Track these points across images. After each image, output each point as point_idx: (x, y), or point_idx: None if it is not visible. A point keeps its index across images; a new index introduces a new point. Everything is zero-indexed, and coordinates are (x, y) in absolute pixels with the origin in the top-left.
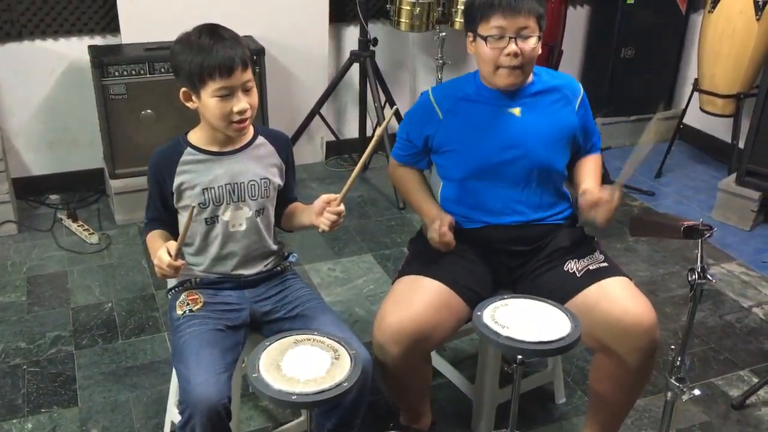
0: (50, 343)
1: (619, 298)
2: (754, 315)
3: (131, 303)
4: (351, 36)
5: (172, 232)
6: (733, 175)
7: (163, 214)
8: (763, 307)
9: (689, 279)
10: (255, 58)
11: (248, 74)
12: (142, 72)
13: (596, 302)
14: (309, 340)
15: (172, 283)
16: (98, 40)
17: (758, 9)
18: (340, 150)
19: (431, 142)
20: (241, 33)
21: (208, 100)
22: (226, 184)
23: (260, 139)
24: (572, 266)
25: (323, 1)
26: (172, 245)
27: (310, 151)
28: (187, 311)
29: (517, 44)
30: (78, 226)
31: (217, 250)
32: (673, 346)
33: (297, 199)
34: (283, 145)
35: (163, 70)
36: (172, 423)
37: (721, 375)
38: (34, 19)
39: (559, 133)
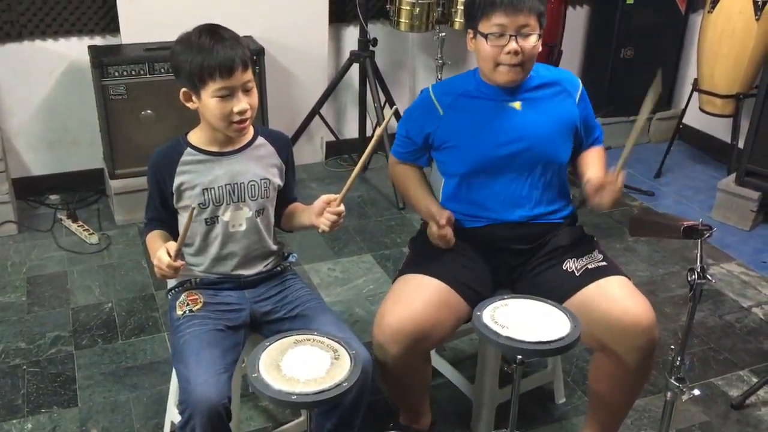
0: (50, 344)
1: (618, 298)
2: (754, 315)
3: (131, 303)
4: (351, 36)
5: (172, 232)
6: (733, 175)
7: (162, 214)
8: (762, 307)
9: (689, 279)
10: (255, 58)
11: (248, 74)
12: (142, 72)
13: (595, 302)
14: (309, 340)
15: (172, 283)
16: (98, 41)
17: (757, 9)
18: (339, 150)
19: (432, 138)
20: (241, 33)
21: (208, 101)
22: (226, 185)
23: (260, 140)
24: (571, 265)
25: (323, 2)
26: (172, 246)
27: (309, 152)
28: (187, 311)
29: (517, 42)
30: (78, 226)
31: (217, 251)
32: (672, 346)
33: (297, 200)
34: (283, 146)
35: (163, 70)
36: (172, 423)
37: (720, 375)
38: (34, 20)
39: (561, 125)
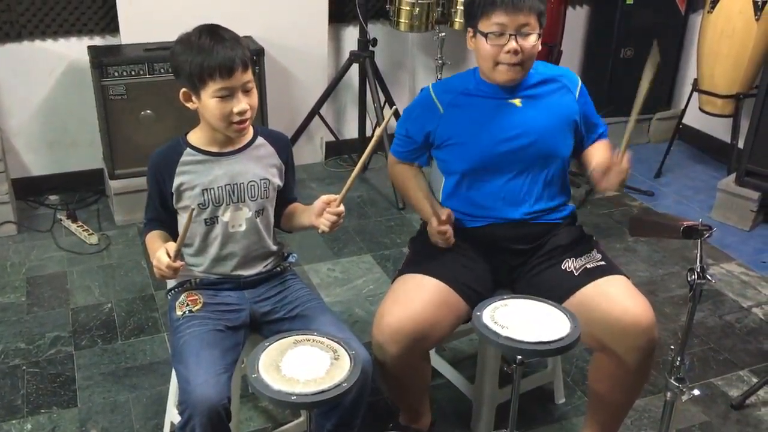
0: (50, 344)
1: (617, 298)
2: (754, 315)
3: (131, 303)
4: (350, 36)
5: (172, 232)
6: (733, 175)
7: (162, 214)
8: (762, 307)
9: (689, 279)
10: (255, 58)
11: (248, 75)
12: (141, 72)
13: (595, 301)
14: (308, 340)
15: (171, 283)
16: (98, 41)
17: (757, 9)
18: (339, 150)
19: (432, 137)
20: (240, 33)
21: (208, 101)
22: (225, 185)
23: (260, 140)
24: (569, 265)
25: (323, 2)
26: (171, 246)
27: (309, 152)
28: (187, 312)
29: (517, 41)
30: (77, 226)
31: (216, 251)
32: (672, 347)
33: (297, 200)
34: (283, 146)
35: (162, 70)
36: (172, 423)
37: (720, 375)
38: (33, 20)
39: (561, 119)
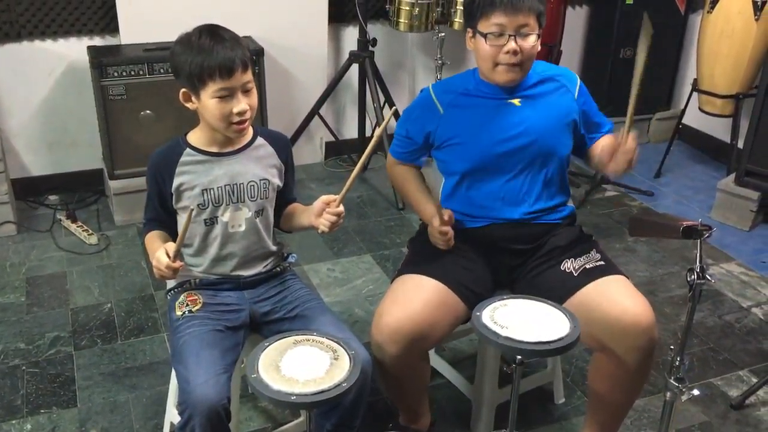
0: (49, 344)
1: (617, 298)
2: (753, 315)
3: (130, 304)
4: (350, 36)
5: (171, 232)
6: (732, 175)
7: (161, 214)
8: (762, 307)
9: (688, 279)
10: (254, 58)
11: (248, 75)
12: (141, 72)
13: (595, 302)
14: (308, 340)
15: (171, 283)
16: (97, 41)
17: (757, 9)
18: (339, 150)
19: (433, 137)
20: (240, 33)
21: (207, 101)
22: (225, 185)
23: (260, 140)
24: (569, 265)
25: (322, 2)
26: (171, 246)
27: (309, 152)
28: (187, 312)
29: (516, 42)
30: (77, 226)
31: (216, 251)
32: (672, 347)
33: (296, 200)
34: (283, 146)
35: (162, 70)
36: (172, 424)
37: (720, 375)
38: (33, 20)
39: (560, 119)
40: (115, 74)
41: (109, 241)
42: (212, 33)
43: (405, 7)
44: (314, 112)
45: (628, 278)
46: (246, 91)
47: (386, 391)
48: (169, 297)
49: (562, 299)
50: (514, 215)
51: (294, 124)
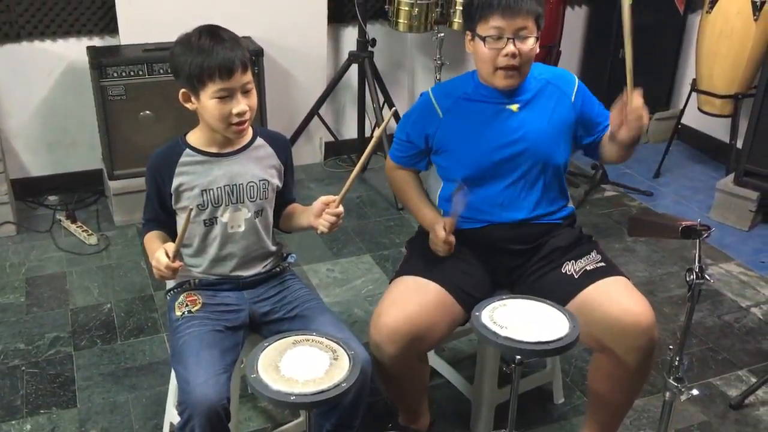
0: (49, 344)
1: (617, 298)
2: (753, 315)
3: (130, 304)
4: (349, 37)
5: (170, 232)
6: (732, 175)
7: (161, 215)
8: (761, 307)
9: (687, 279)
10: (254, 59)
11: (248, 76)
12: (140, 73)
13: (595, 302)
14: (308, 340)
15: (171, 284)
16: (97, 41)
17: (756, 9)
18: (338, 151)
19: (431, 140)
20: (240, 34)
21: (207, 102)
22: (224, 186)
23: (259, 141)
24: (569, 268)
25: (322, 2)
26: (170, 247)
27: (308, 152)
28: (186, 312)
29: (515, 45)
30: (77, 227)
31: (215, 252)
32: (671, 346)
33: (296, 200)
34: (282, 147)
35: (162, 71)
36: (171, 424)
37: (719, 375)
38: (32, 20)
39: (558, 127)
40: (115, 74)
41: (109, 241)
42: (212, 34)
43: (404, 8)
44: (314, 112)
45: (628, 279)
46: (245, 92)
47: (385, 391)
48: (168, 297)
49: (563, 302)
50: (513, 219)
51: (293, 124)
